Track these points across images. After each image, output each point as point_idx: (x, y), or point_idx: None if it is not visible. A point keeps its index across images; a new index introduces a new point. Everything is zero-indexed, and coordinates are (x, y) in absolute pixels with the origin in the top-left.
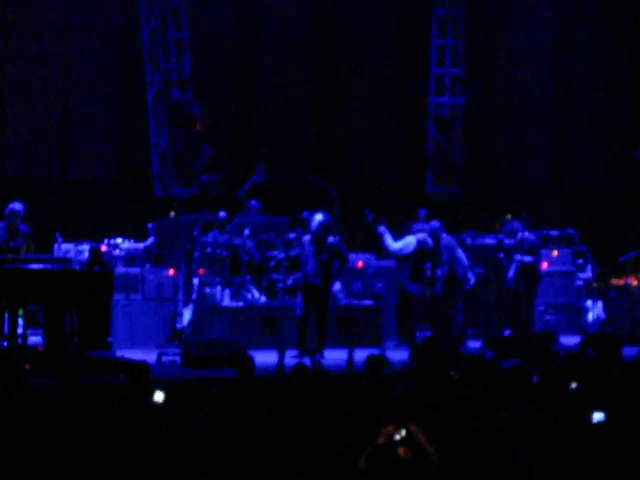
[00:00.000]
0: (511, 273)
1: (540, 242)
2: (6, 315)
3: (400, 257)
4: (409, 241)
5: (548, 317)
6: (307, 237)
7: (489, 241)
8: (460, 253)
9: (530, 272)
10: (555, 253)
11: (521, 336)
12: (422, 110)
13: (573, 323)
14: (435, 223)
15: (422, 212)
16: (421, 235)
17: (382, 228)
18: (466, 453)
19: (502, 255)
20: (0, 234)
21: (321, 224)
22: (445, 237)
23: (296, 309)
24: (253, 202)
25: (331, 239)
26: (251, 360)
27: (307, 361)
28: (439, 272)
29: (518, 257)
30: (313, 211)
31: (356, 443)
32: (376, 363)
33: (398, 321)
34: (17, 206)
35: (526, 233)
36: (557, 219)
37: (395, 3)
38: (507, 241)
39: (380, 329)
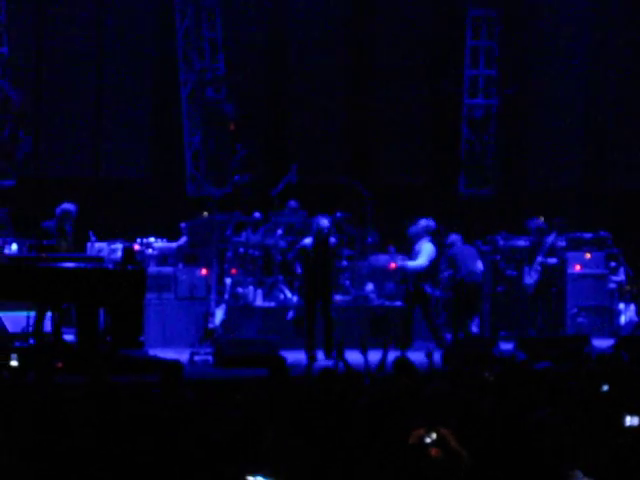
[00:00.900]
0: (535, 276)
1: (567, 244)
2: (39, 314)
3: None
4: (428, 250)
5: (580, 319)
6: (308, 239)
7: (521, 243)
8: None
9: (553, 274)
10: (588, 256)
11: (553, 338)
12: (455, 112)
13: (606, 326)
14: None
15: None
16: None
17: (399, 261)
18: (497, 455)
19: (499, 257)
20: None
21: (327, 229)
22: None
23: (291, 311)
24: (292, 202)
25: (333, 240)
26: (284, 361)
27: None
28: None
29: (540, 259)
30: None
31: (387, 445)
32: (405, 365)
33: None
34: (69, 207)
35: (546, 236)
36: (590, 222)
37: (429, 4)
38: (502, 242)
39: (409, 330)
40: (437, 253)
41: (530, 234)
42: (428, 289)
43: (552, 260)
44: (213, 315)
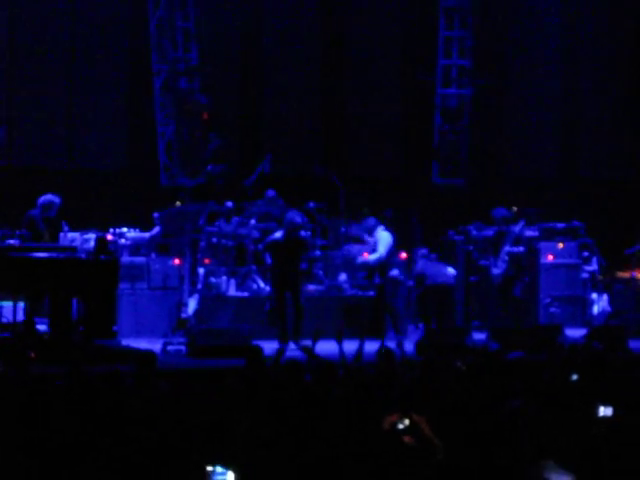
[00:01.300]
0: (503, 265)
1: (540, 234)
2: (11, 304)
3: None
4: (384, 239)
5: (553, 309)
6: (279, 233)
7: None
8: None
9: (520, 263)
10: (561, 245)
11: (526, 328)
12: (429, 101)
13: (578, 316)
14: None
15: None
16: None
17: (358, 260)
18: (470, 444)
19: (471, 247)
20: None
21: (299, 224)
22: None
23: (267, 302)
24: (270, 192)
25: (304, 234)
26: (260, 351)
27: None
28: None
29: (507, 248)
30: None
31: (360, 432)
32: (387, 354)
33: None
34: (54, 198)
35: (510, 225)
36: (563, 211)
37: None
38: (475, 232)
39: (382, 320)
40: (393, 238)
41: (495, 224)
42: (394, 274)
43: (519, 249)
44: (186, 305)
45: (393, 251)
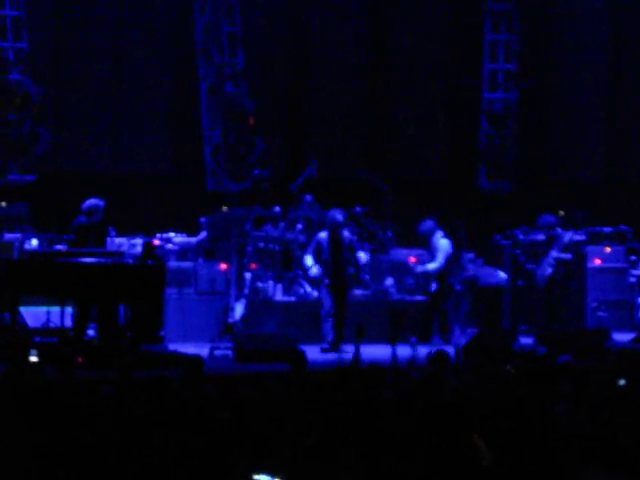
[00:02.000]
0: (549, 270)
1: (587, 238)
2: (59, 309)
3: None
4: (444, 247)
5: (601, 314)
6: (324, 233)
7: (541, 237)
8: None
9: (567, 270)
10: (608, 250)
11: (574, 333)
12: (475, 106)
13: (626, 320)
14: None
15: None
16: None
17: (418, 268)
18: (517, 450)
19: (518, 251)
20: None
21: (341, 222)
22: None
23: (323, 306)
24: (308, 197)
25: (347, 234)
26: (303, 355)
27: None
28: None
29: (555, 254)
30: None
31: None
32: (443, 358)
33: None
34: (98, 202)
35: (558, 229)
36: (610, 216)
37: None
38: (522, 236)
39: (431, 325)
40: (453, 247)
41: (541, 230)
42: (451, 283)
43: (567, 256)
44: (233, 310)
45: (451, 259)
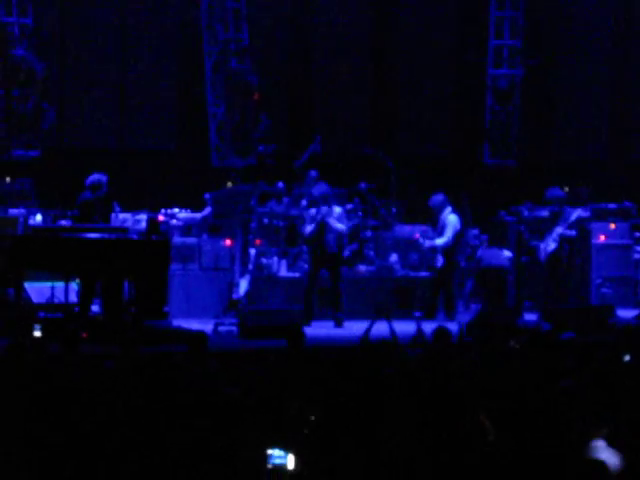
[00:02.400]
0: (553, 246)
1: (591, 214)
2: (63, 285)
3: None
4: (452, 223)
5: (605, 290)
6: (310, 228)
7: (545, 213)
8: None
9: (572, 246)
10: (612, 226)
11: (578, 309)
12: (480, 82)
13: (630, 296)
14: None
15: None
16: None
17: (426, 243)
18: (522, 425)
19: (523, 227)
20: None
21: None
22: None
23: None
24: (312, 172)
25: (341, 228)
26: (301, 331)
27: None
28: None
29: (560, 230)
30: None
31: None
32: (444, 334)
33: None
34: (102, 177)
35: (566, 206)
36: (615, 192)
37: None
38: (527, 213)
39: (436, 301)
40: (461, 223)
41: (548, 203)
42: (457, 260)
43: (571, 233)
44: (237, 286)
45: (459, 235)
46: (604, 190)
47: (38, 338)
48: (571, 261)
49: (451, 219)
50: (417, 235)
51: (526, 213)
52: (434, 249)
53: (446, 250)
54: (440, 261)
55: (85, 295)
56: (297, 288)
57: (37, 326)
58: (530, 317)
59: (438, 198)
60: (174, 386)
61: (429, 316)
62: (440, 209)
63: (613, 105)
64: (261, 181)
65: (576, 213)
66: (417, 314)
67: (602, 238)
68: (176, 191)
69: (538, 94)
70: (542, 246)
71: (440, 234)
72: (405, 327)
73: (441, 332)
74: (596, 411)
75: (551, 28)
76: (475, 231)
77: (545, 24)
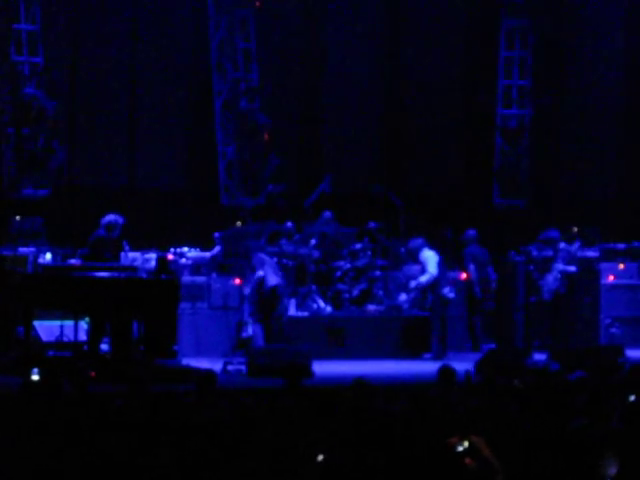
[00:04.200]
0: (555, 283)
1: (600, 254)
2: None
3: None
4: (431, 257)
5: (614, 330)
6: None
7: (551, 253)
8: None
9: (572, 282)
10: (621, 266)
11: (587, 349)
12: (489, 122)
13: (639, 336)
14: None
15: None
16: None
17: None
18: (532, 465)
19: (532, 267)
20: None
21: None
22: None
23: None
24: (327, 213)
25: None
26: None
27: None
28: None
29: (560, 267)
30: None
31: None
32: (449, 374)
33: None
34: (117, 218)
35: (562, 244)
36: (624, 232)
37: (463, 15)
38: (535, 253)
39: (444, 340)
40: (439, 256)
41: (546, 244)
42: (444, 292)
43: (571, 268)
44: (246, 324)
45: (443, 268)
46: (613, 230)
47: (36, 382)
48: (574, 297)
49: (428, 255)
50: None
51: (535, 253)
52: (421, 287)
53: (432, 285)
54: (429, 299)
55: (94, 334)
56: (306, 327)
57: (35, 370)
58: (539, 357)
59: (417, 241)
60: (183, 424)
61: (439, 356)
62: (417, 251)
63: (621, 144)
64: (271, 220)
65: (573, 247)
66: (427, 356)
67: (611, 278)
68: (185, 230)
69: (547, 134)
70: (545, 286)
71: (422, 273)
72: (414, 367)
73: (446, 372)
74: (605, 450)
75: (559, 68)
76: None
77: (554, 64)
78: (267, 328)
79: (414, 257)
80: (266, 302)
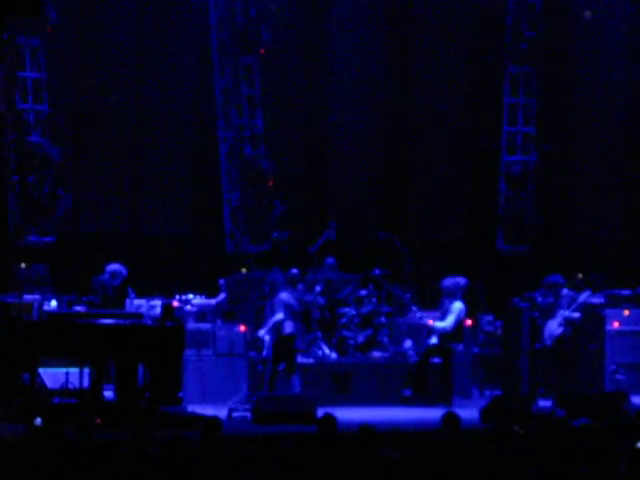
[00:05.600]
0: (558, 329)
1: (605, 301)
2: (78, 370)
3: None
4: (457, 309)
5: (619, 377)
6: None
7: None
8: None
9: (576, 329)
10: (626, 312)
11: (593, 395)
12: (494, 168)
13: None
14: None
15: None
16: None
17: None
18: None
19: (537, 314)
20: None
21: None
22: None
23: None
24: (329, 259)
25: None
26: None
27: None
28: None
29: (566, 314)
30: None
31: None
32: (453, 420)
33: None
34: (121, 269)
35: (565, 290)
36: (628, 278)
37: (466, 61)
38: (540, 299)
39: (449, 384)
40: (465, 312)
41: (548, 289)
42: (455, 347)
43: (576, 315)
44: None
45: (461, 323)
46: (618, 276)
47: (39, 428)
48: (579, 343)
49: (457, 306)
50: (430, 321)
51: (540, 299)
52: (432, 331)
53: (443, 335)
54: (431, 340)
55: (98, 380)
56: (311, 374)
57: (38, 420)
58: (545, 403)
59: (459, 282)
60: (188, 472)
61: (445, 402)
62: (451, 295)
63: (626, 190)
64: (275, 267)
65: (584, 296)
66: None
67: (616, 324)
68: (190, 277)
69: (551, 180)
70: (547, 332)
71: (441, 318)
72: (420, 414)
73: (450, 418)
74: None
75: (564, 113)
76: (489, 317)
77: (558, 109)
78: (275, 373)
79: (443, 297)
80: (281, 347)
